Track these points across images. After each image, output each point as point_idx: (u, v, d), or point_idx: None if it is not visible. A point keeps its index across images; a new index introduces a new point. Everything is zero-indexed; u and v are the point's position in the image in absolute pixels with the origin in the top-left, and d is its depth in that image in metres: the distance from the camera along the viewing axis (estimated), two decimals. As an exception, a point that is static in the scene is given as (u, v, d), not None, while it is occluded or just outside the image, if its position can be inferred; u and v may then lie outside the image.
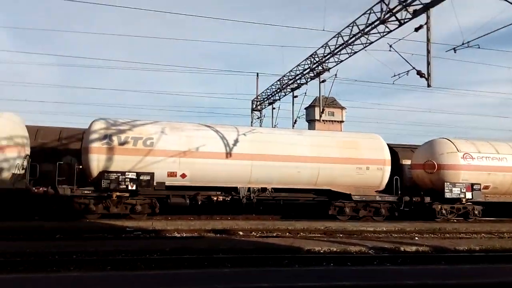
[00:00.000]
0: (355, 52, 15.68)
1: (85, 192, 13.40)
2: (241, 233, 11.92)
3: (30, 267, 7.24)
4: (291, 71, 20.99)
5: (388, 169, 16.08)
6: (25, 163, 13.44)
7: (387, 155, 16.20)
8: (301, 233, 12.19)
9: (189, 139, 14.16)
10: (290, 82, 21.57)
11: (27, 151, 13.88)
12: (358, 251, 9.17)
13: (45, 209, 13.56)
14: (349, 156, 15.58)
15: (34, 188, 13.31)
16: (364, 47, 15.15)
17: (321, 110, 20.67)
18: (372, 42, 14.65)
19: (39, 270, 7.11)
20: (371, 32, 14.11)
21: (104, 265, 7.58)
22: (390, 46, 13.67)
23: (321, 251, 9.20)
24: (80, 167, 13.65)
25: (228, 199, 14.68)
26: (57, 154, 14.89)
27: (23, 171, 13.38)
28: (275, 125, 24.38)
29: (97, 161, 13.25)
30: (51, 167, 13.78)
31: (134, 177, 13.37)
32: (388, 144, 16.95)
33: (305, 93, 21.65)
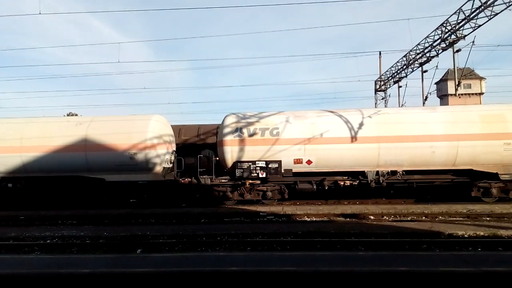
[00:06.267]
0: (496, 14, 13.65)
1: (222, 181, 14.84)
2: (372, 217, 11.66)
3: (184, 247, 8.44)
4: (418, 44, 19.48)
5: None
6: (173, 157, 15.47)
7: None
8: (440, 217, 11.34)
9: (312, 126, 14.33)
10: (418, 57, 19.98)
11: (173, 147, 15.95)
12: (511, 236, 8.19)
13: (189, 197, 15.45)
14: (495, 131, 13.72)
15: (181, 179, 15.30)
16: (508, 6, 13.09)
17: (456, 83, 18.52)
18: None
19: (191, 250, 8.25)
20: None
21: (244, 246, 8.36)
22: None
23: (466, 236, 8.47)
24: (217, 158, 15.16)
25: (356, 183, 14.42)
26: (197, 148, 16.77)
27: (171, 164, 15.42)
28: (402, 104, 22.92)
29: (230, 153, 14.46)
30: (193, 160, 15.62)
31: (264, 165, 14.25)
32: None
33: (436, 66, 19.80)
